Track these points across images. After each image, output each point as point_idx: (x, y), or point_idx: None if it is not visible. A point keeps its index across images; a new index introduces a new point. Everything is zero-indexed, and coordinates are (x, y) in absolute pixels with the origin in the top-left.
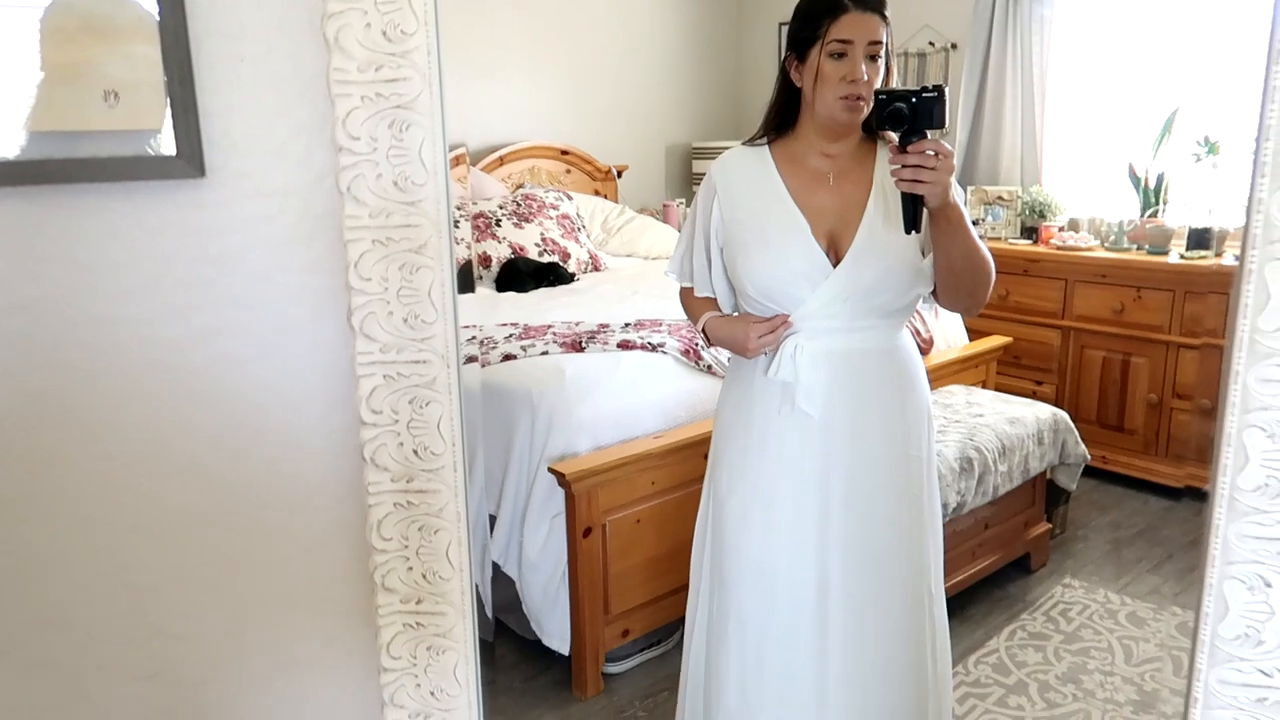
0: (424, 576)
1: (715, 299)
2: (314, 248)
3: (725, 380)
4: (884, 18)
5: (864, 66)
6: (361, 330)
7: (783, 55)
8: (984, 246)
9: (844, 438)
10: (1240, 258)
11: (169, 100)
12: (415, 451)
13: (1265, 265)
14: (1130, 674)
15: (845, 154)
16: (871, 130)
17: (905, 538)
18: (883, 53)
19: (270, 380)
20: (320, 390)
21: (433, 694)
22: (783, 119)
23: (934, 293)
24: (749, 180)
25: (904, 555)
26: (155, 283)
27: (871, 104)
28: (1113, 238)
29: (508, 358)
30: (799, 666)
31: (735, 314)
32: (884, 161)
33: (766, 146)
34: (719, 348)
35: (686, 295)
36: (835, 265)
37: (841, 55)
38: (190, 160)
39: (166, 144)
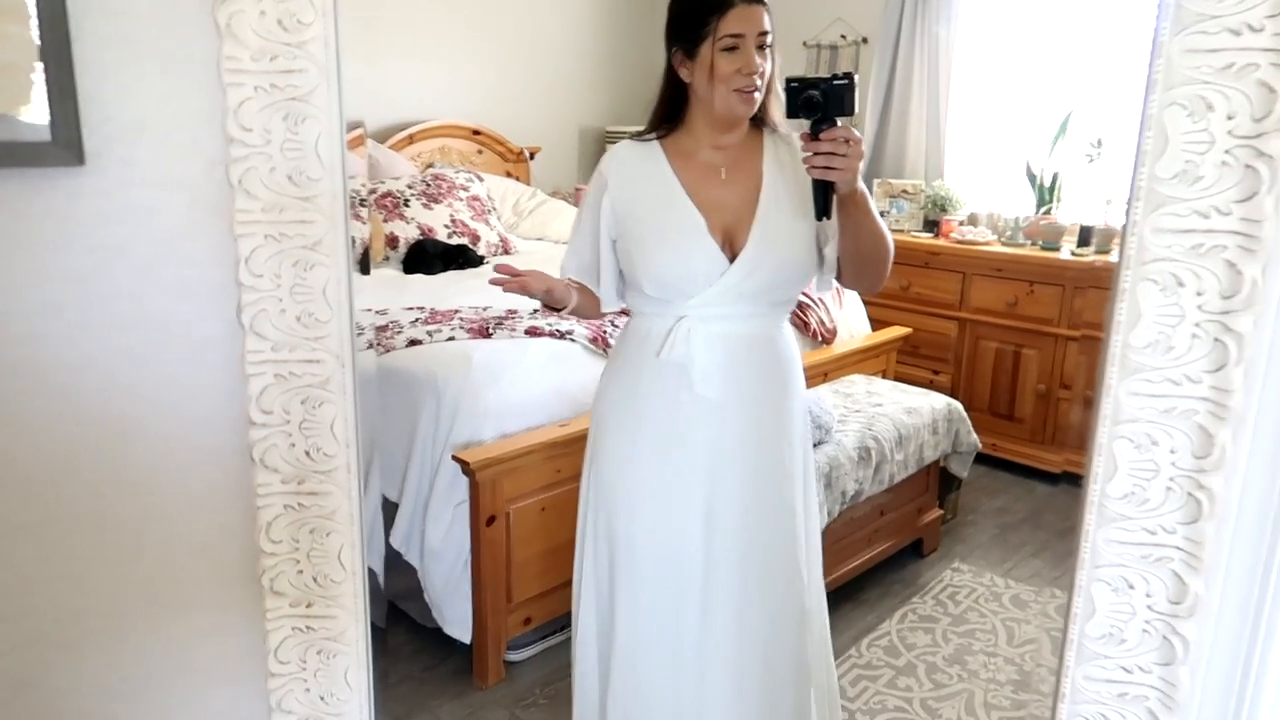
0: (315, 580)
1: (590, 289)
2: (201, 242)
3: (610, 364)
4: (766, 7)
5: (755, 57)
6: (252, 328)
7: (669, 51)
8: (885, 227)
9: (735, 420)
10: (1115, 278)
11: (45, 82)
12: (307, 453)
13: (1138, 285)
14: (1012, 655)
15: (735, 146)
16: (758, 121)
17: (789, 516)
18: (769, 42)
19: (153, 379)
20: (207, 389)
21: (322, 699)
22: (671, 114)
23: (838, 275)
24: (642, 176)
25: (788, 535)
26: (28, 276)
27: (762, 95)
28: (1009, 233)
29: (413, 343)
30: (685, 644)
31: (617, 299)
32: (771, 153)
33: (657, 142)
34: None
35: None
36: (731, 259)
37: (734, 49)
38: (68, 146)
39: (41, 129)
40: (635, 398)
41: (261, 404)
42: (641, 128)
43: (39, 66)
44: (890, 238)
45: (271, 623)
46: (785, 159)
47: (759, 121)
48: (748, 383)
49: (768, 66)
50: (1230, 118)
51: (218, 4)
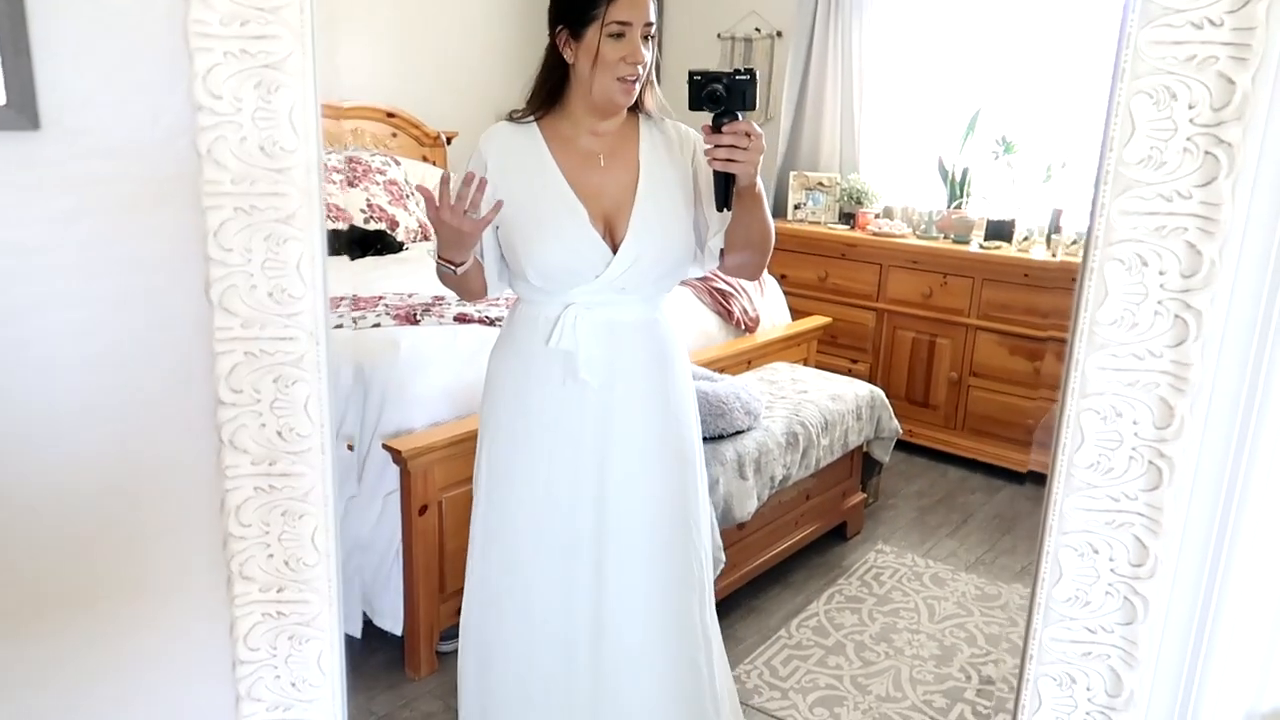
0: (286, 564)
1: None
2: (163, 213)
3: (496, 349)
4: None
5: (641, 47)
6: (220, 304)
7: (552, 29)
8: (771, 220)
9: (619, 404)
10: (1084, 257)
11: None
12: (279, 433)
13: (1105, 264)
14: (933, 631)
15: (613, 133)
16: (634, 108)
17: (677, 496)
18: (653, 32)
19: (111, 356)
20: (171, 367)
21: (294, 685)
22: (550, 96)
23: (721, 263)
24: (521, 160)
25: (675, 513)
26: None
27: (641, 85)
28: (923, 226)
29: (337, 328)
30: (578, 624)
31: (500, 282)
32: (647, 139)
33: (535, 124)
34: (451, 288)
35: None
36: (613, 249)
37: (620, 36)
38: (21, 110)
39: None
40: (525, 385)
41: (231, 383)
42: (511, 110)
43: None
44: (773, 231)
45: (240, 609)
46: (660, 145)
47: (635, 109)
48: (632, 366)
49: (649, 56)
50: (1192, 106)
51: None
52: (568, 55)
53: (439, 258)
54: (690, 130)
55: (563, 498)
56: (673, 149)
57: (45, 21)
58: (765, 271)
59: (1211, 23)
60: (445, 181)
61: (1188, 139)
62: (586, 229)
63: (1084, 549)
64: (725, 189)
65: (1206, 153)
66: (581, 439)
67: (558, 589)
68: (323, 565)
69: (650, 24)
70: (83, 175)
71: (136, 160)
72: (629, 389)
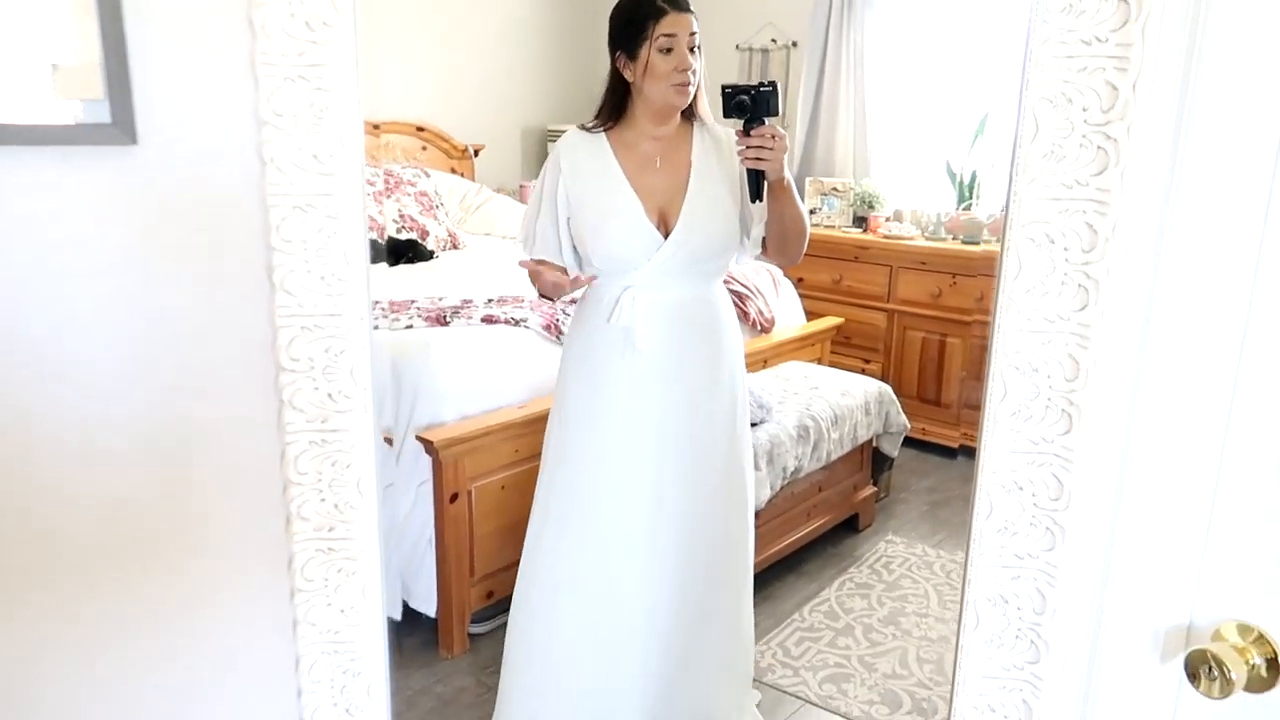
0: (335, 506)
1: (555, 262)
2: (235, 211)
3: (569, 333)
4: (694, 14)
5: (688, 55)
6: (281, 286)
7: (612, 53)
8: (805, 211)
9: (673, 371)
10: (1002, 236)
11: (105, 72)
12: (329, 395)
13: (1019, 242)
14: (942, 614)
15: (669, 138)
16: (687, 115)
17: (727, 455)
18: (697, 43)
19: (199, 329)
20: (241, 340)
21: (342, 611)
22: (615, 109)
23: (764, 251)
24: (590, 163)
25: (727, 470)
26: (88, 240)
27: (695, 88)
28: (932, 228)
29: (374, 329)
30: (637, 571)
31: (578, 273)
32: (700, 143)
33: (604, 134)
34: (549, 294)
35: (530, 271)
36: (665, 236)
37: (669, 50)
38: (123, 128)
39: (103, 112)
40: (591, 356)
41: (290, 352)
42: (583, 122)
43: (101, 59)
44: (808, 220)
45: (297, 545)
46: (711, 148)
47: (690, 116)
48: (684, 339)
49: (698, 64)
50: (1085, 109)
51: (253, 6)
52: (627, 74)
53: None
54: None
55: (622, 455)
56: (721, 150)
57: (141, 54)
58: (782, 274)
59: (1099, 40)
60: (541, 263)
61: (1083, 136)
62: (642, 220)
63: (1010, 486)
64: (756, 183)
65: (1098, 147)
66: (640, 403)
67: (613, 539)
68: (366, 509)
69: (694, 34)
70: (172, 180)
71: (213, 167)
72: (682, 358)
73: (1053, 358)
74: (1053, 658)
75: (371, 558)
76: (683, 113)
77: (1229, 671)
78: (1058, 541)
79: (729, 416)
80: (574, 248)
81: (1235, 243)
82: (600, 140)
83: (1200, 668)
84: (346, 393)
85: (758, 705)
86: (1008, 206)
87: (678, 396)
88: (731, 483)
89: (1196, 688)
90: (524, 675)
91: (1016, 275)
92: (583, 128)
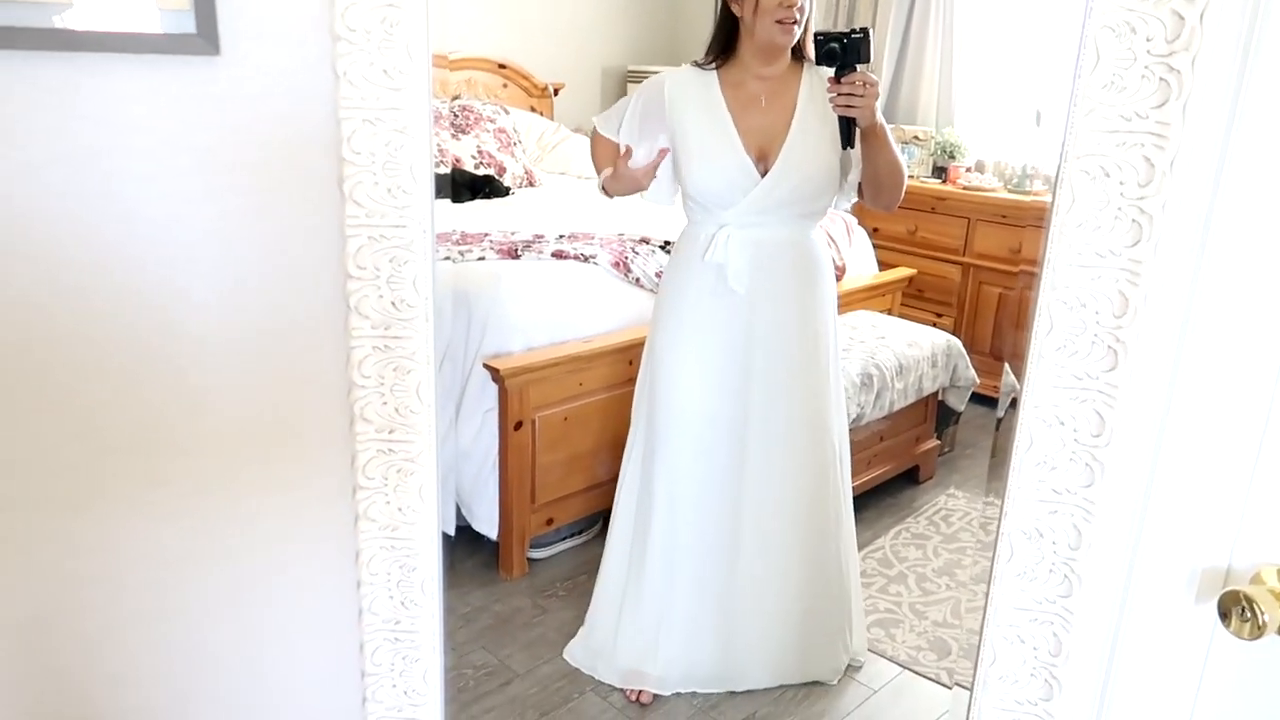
0: (396, 410)
1: (618, 151)
2: (308, 123)
3: (667, 267)
4: None
5: None
6: (351, 196)
7: None
8: (901, 156)
9: (762, 309)
10: (1056, 170)
11: None
12: (393, 303)
13: (1073, 176)
14: None
15: (776, 77)
16: (798, 56)
17: (813, 394)
18: None
19: (271, 237)
20: (311, 247)
21: (400, 510)
22: (724, 46)
23: (860, 195)
24: (696, 98)
25: (811, 407)
26: (173, 146)
27: (801, 26)
28: (1015, 180)
29: (444, 260)
30: (719, 494)
31: (664, 196)
32: (807, 86)
33: (714, 71)
34: (616, 193)
35: (601, 144)
36: (763, 175)
37: None
38: (207, 38)
39: (189, 23)
40: (685, 291)
41: (357, 260)
42: (659, 67)
43: None
44: (905, 166)
45: (360, 444)
46: (818, 91)
47: (800, 56)
48: (775, 279)
49: (806, 2)
50: (1149, 39)
51: None
52: (735, 9)
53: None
54: None
55: (711, 388)
56: (828, 95)
57: None
58: (856, 222)
59: None
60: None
61: (1145, 67)
62: (740, 156)
63: (1052, 421)
64: (847, 130)
65: (1160, 79)
66: (728, 338)
67: (704, 458)
68: (425, 413)
69: None
70: (252, 90)
71: (290, 79)
72: (772, 297)
73: (1102, 293)
74: (1085, 593)
75: (429, 461)
76: (792, 53)
77: (1262, 614)
78: (1096, 478)
79: (816, 363)
80: (671, 176)
81: None
82: (710, 76)
83: (1232, 608)
84: (409, 301)
85: (852, 668)
86: (1064, 139)
87: (765, 335)
88: (817, 431)
89: (1227, 627)
90: (612, 589)
91: (1069, 208)
92: (695, 64)
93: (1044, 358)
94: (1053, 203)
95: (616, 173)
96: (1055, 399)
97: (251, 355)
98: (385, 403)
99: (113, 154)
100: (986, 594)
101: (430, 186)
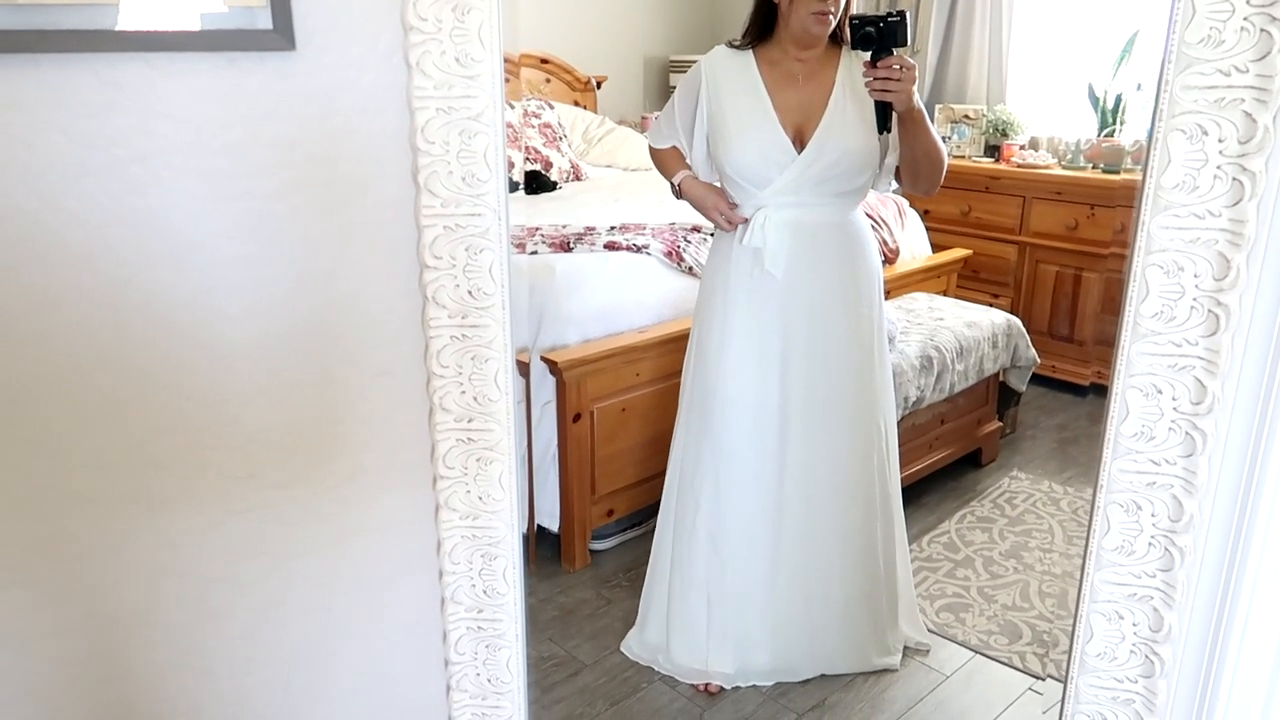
0: (475, 399)
1: (682, 156)
2: (382, 116)
3: (709, 251)
4: None
5: None
6: (425, 186)
7: None
8: (940, 141)
9: (801, 293)
10: (1149, 130)
11: None
12: (469, 292)
13: (1169, 135)
14: (1067, 550)
15: (814, 60)
16: (836, 39)
17: (855, 377)
18: None
19: (347, 227)
20: (387, 238)
21: (480, 499)
22: (761, 30)
23: (899, 179)
24: (732, 77)
25: (854, 389)
26: (252, 138)
27: (837, 18)
28: (1070, 156)
29: None
30: (763, 478)
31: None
32: (845, 67)
33: (751, 51)
34: (687, 202)
35: (661, 156)
36: (800, 152)
37: None
38: (284, 34)
39: (266, 19)
40: (725, 274)
41: (433, 250)
42: (701, 57)
43: None
44: (944, 150)
45: (439, 434)
46: (857, 72)
47: (838, 40)
48: (814, 261)
49: None
50: None
51: None
52: None
53: (678, 187)
54: None
55: (751, 373)
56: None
57: None
58: (908, 205)
59: None
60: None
61: (1244, 19)
62: (777, 133)
63: (1149, 390)
64: (883, 114)
65: (1262, 30)
66: (767, 321)
67: (749, 439)
68: (503, 401)
69: None
70: (324, 85)
71: (364, 71)
72: (811, 280)
73: (1200, 256)
74: (1188, 568)
75: (507, 449)
76: (830, 37)
77: None
78: (1198, 448)
79: (858, 345)
80: (706, 155)
81: None
82: (747, 56)
83: None
84: (485, 290)
85: (920, 653)
86: (1157, 97)
87: (805, 318)
88: (861, 416)
89: None
90: (661, 581)
91: (1165, 169)
92: (730, 44)
93: (1139, 324)
94: (1145, 164)
95: (694, 192)
96: (1152, 367)
97: (329, 348)
98: (464, 392)
99: (191, 151)
100: (1081, 570)
101: (504, 174)
